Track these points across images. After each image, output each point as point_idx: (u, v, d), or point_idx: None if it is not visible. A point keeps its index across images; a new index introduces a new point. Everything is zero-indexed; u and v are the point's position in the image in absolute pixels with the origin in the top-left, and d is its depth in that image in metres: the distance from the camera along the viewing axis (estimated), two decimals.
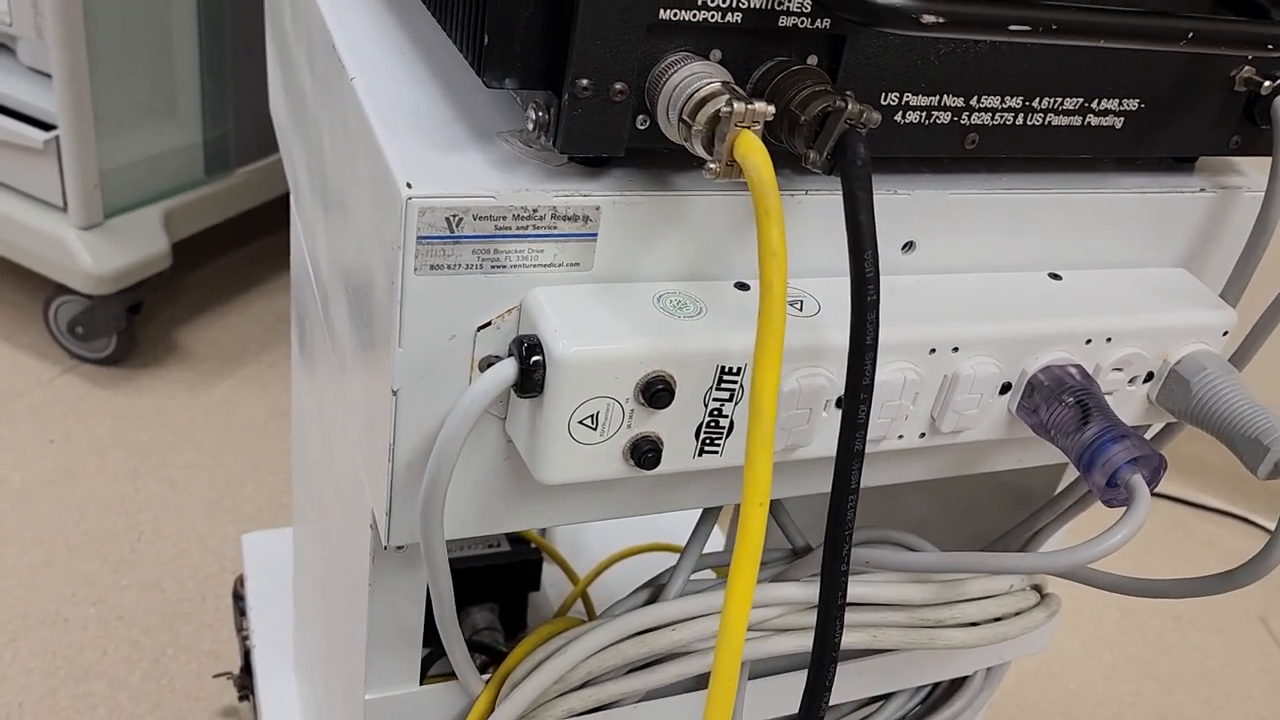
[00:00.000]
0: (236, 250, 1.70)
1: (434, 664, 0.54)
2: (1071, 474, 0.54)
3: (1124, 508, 0.38)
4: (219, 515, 1.24)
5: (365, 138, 0.37)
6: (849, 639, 0.44)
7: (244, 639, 0.96)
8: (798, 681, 0.50)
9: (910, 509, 0.67)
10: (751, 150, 0.30)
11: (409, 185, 0.33)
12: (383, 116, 0.37)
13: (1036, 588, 0.51)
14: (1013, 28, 0.31)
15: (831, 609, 0.34)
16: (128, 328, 1.43)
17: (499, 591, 0.81)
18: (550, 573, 0.88)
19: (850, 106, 0.32)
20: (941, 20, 0.30)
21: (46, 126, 1.33)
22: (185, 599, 1.13)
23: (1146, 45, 0.35)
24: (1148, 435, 0.49)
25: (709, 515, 0.49)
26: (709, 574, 0.53)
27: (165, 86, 1.42)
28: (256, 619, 0.87)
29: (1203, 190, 0.45)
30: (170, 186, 1.45)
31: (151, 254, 1.39)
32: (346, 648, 0.52)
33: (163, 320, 1.54)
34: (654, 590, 0.48)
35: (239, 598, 0.97)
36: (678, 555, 0.93)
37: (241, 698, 0.97)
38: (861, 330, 0.32)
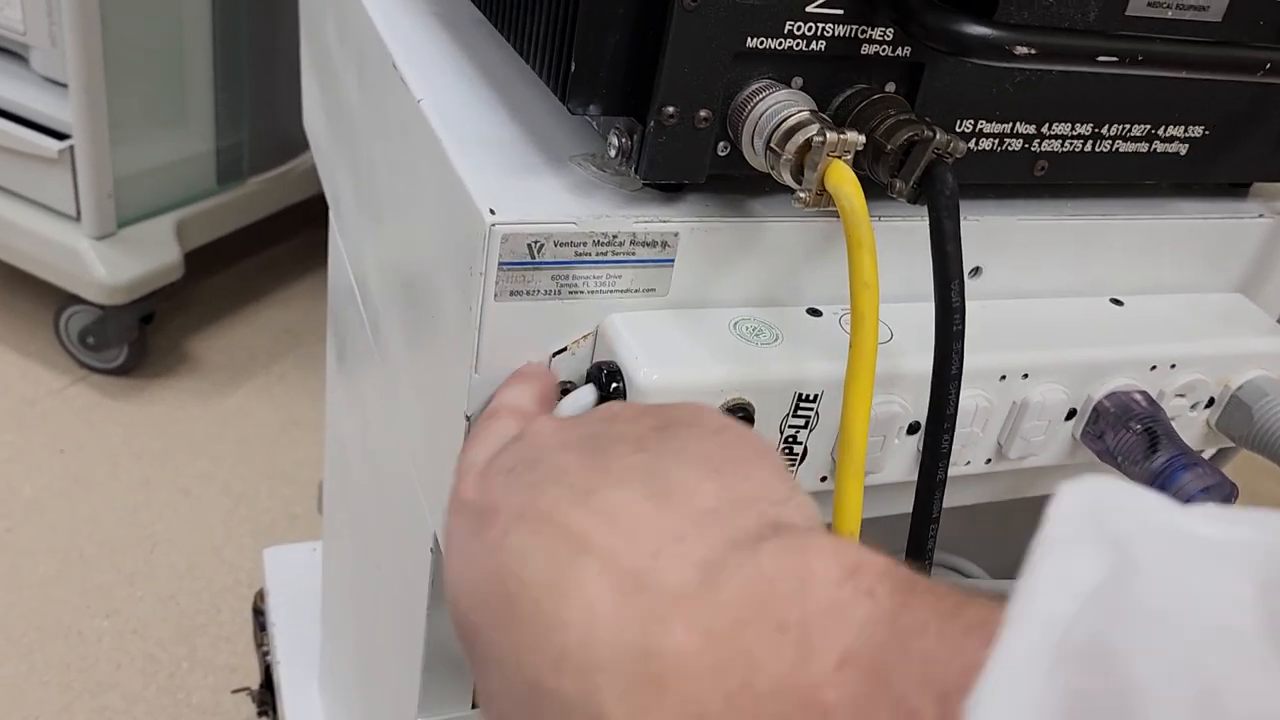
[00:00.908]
0: (247, 260, 1.70)
1: None
2: None
3: None
4: (233, 526, 1.24)
5: (437, 162, 0.37)
6: None
7: (264, 654, 0.95)
8: None
9: (942, 528, 0.66)
10: (844, 180, 0.30)
11: (492, 212, 0.33)
12: (456, 141, 0.37)
13: None
14: (1101, 59, 0.32)
15: None
16: (139, 337, 1.42)
17: None
18: None
19: (938, 136, 0.32)
20: (1033, 51, 0.30)
21: (59, 135, 1.32)
22: (200, 611, 1.13)
23: (1225, 76, 0.35)
24: None
25: None
26: None
27: (178, 95, 1.42)
28: (280, 635, 0.86)
29: (1261, 216, 0.45)
30: (183, 196, 1.45)
31: (164, 264, 1.39)
32: (395, 669, 0.51)
33: (173, 330, 1.54)
34: None
35: (259, 613, 0.97)
36: None
37: (260, 713, 0.96)
38: (947, 359, 0.32)
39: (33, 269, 1.38)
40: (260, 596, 0.97)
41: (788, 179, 0.32)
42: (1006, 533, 0.64)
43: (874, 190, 0.34)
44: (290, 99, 1.64)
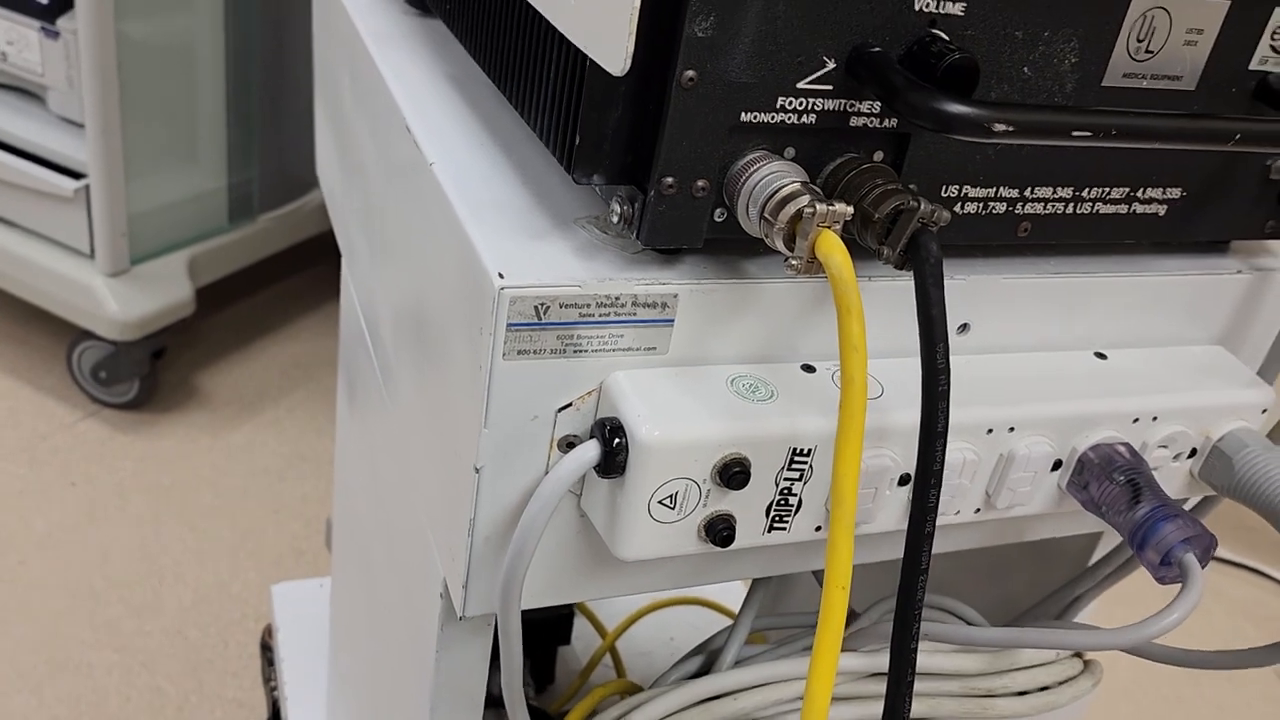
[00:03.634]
0: (256, 295, 1.72)
1: None
2: (1108, 543, 0.55)
3: (1178, 584, 0.39)
4: (240, 561, 1.25)
5: (448, 223, 0.39)
6: None
7: (271, 689, 0.96)
8: None
9: (935, 570, 0.68)
10: (833, 250, 0.32)
11: (501, 275, 0.35)
12: (467, 204, 0.39)
13: (1079, 655, 0.52)
14: (1075, 134, 0.33)
15: (901, 685, 0.35)
16: (150, 372, 1.44)
17: (530, 645, 0.82)
18: (585, 629, 0.89)
19: (922, 207, 0.33)
20: (1010, 128, 0.32)
21: (75, 174, 1.35)
22: (208, 645, 1.14)
23: (1197, 146, 0.36)
24: (1186, 507, 0.51)
25: (760, 583, 0.51)
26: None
27: (191, 135, 1.45)
28: (288, 670, 0.87)
29: (1239, 272, 0.46)
30: (195, 233, 1.47)
31: (176, 300, 1.41)
32: (403, 710, 0.53)
33: (183, 365, 1.56)
34: (707, 656, 0.49)
35: (267, 648, 0.98)
36: (702, 608, 0.94)
37: None
38: (933, 418, 0.34)
39: (47, 305, 1.41)
40: (269, 632, 0.98)
41: (780, 246, 0.33)
42: (1000, 573, 0.65)
43: (863, 253, 0.35)
44: (299, 138, 1.67)
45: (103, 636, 1.13)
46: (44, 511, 1.28)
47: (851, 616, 0.52)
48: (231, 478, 1.37)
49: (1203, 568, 0.39)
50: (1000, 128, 0.32)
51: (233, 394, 1.53)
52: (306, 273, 1.76)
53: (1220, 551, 1.49)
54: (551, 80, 0.36)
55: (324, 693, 0.86)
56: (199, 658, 1.12)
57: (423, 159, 0.43)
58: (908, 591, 0.35)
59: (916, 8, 0.34)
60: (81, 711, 1.05)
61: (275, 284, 1.73)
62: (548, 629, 0.82)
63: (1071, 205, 0.41)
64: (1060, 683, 0.49)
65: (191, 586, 1.21)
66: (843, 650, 0.47)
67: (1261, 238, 0.46)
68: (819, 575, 0.53)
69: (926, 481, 0.34)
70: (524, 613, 0.83)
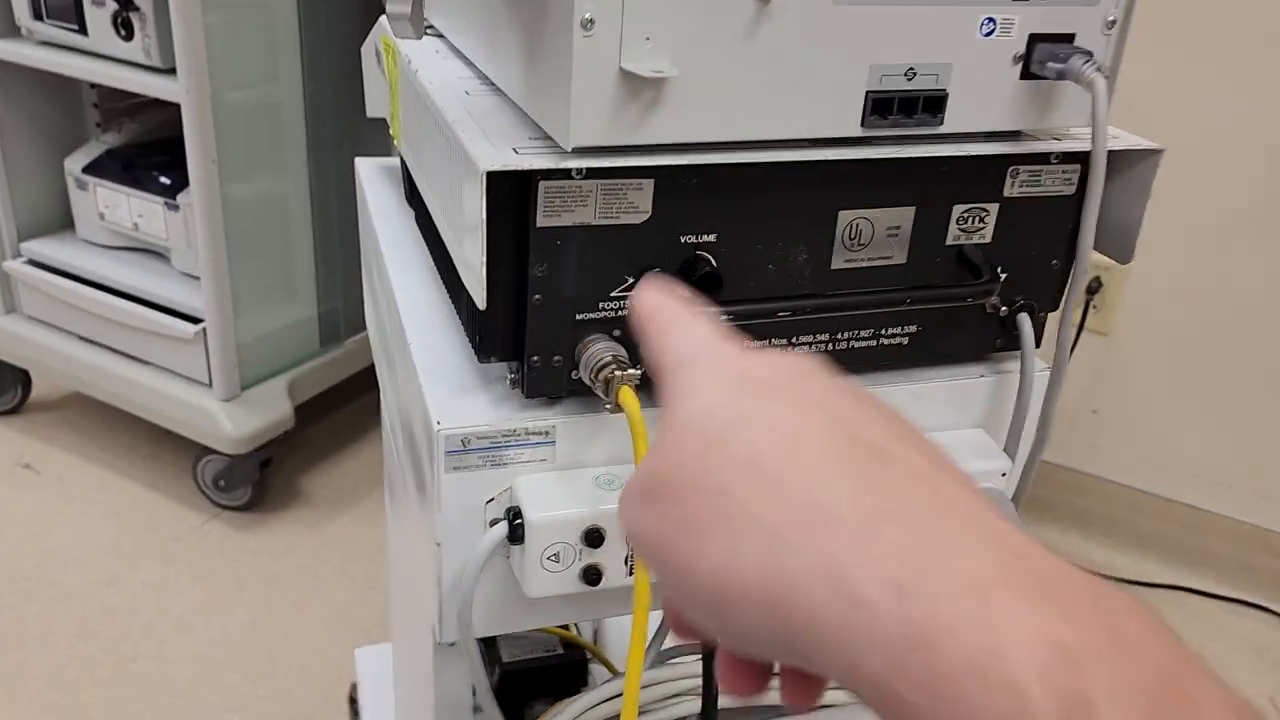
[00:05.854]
0: (346, 406, 1.99)
1: None
2: None
3: None
4: (336, 632, 1.48)
5: (417, 382, 0.61)
6: None
7: None
8: None
9: None
10: (627, 399, 0.53)
11: (439, 422, 0.56)
12: (429, 370, 0.61)
13: None
14: (780, 314, 0.53)
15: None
16: (260, 479, 1.71)
17: (552, 688, 1.01)
18: (601, 673, 1.08)
19: None
20: (730, 317, 0.52)
21: (194, 319, 1.64)
22: (310, 704, 1.37)
23: (880, 310, 0.56)
24: None
25: None
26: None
27: (288, 275, 1.73)
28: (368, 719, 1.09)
29: (982, 376, 0.65)
30: (293, 359, 1.75)
31: (279, 417, 1.68)
32: None
33: (287, 470, 1.82)
34: None
35: (353, 702, 1.20)
36: None
37: None
38: None
39: (175, 427, 1.69)
40: (354, 689, 1.21)
41: (602, 396, 0.54)
42: None
43: None
44: None
45: (227, 700, 1.37)
46: (178, 601, 1.54)
47: None
48: (328, 563, 1.62)
49: None
50: (722, 319, 0.52)
51: (329, 493, 1.78)
52: None
53: (1224, 590, 1.60)
54: (464, 299, 0.58)
55: None
56: (303, 714, 1.35)
57: (406, 340, 0.65)
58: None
59: (682, 241, 0.55)
60: None
61: (362, 396, 2.00)
62: (563, 674, 1.02)
63: (829, 345, 0.61)
64: None
65: (297, 655, 1.44)
66: None
67: (993, 352, 0.65)
68: None
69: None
70: (542, 659, 1.03)
